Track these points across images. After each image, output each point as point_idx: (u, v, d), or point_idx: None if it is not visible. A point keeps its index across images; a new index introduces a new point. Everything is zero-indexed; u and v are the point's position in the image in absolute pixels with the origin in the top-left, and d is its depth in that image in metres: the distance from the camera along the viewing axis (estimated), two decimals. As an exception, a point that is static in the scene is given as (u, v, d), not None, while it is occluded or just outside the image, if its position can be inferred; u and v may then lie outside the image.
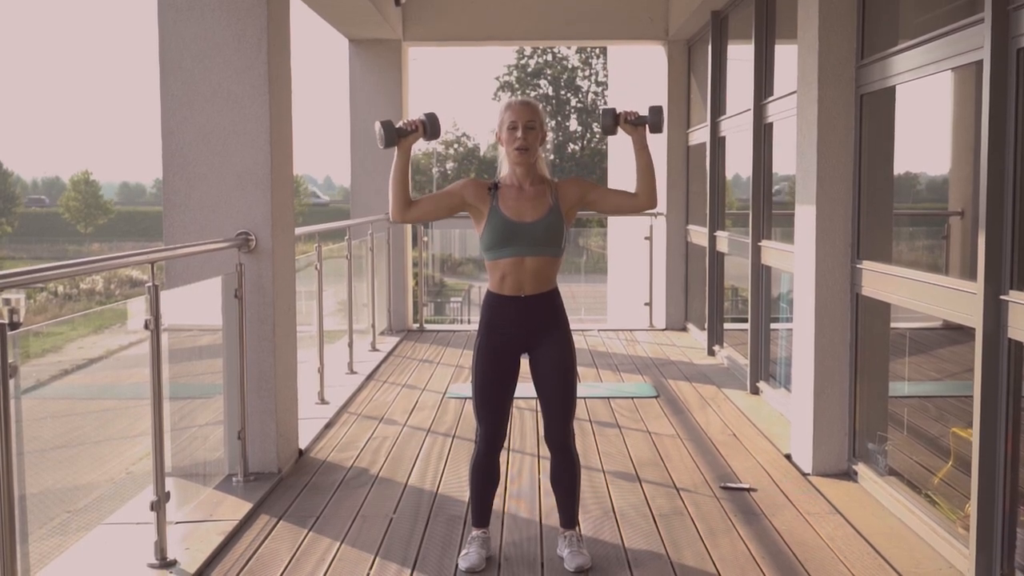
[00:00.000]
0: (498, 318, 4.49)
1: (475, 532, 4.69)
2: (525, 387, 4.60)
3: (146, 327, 4.44)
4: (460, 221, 5.16)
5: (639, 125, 4.45)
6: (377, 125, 4.41)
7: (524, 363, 4.59)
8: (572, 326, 4.59)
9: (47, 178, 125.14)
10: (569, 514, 4.68)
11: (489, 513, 4.73)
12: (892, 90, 5.50)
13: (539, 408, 4.65)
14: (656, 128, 4.42)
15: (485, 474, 4.65)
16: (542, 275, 4.46)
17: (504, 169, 4.54)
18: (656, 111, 4.43)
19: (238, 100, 5.79)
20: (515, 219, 4.40)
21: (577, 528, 4.72)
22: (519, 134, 4.42)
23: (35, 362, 4.24)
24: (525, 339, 4.50)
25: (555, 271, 4.54)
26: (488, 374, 4.52)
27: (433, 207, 4.57)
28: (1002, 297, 4.02)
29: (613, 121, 4.45)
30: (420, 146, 62.47)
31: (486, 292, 4.59)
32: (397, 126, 4.42)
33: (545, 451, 6.49)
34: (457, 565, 4.55)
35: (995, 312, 4.06)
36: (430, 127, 4.45)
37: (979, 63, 4.20)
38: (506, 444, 6.53)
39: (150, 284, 4.44)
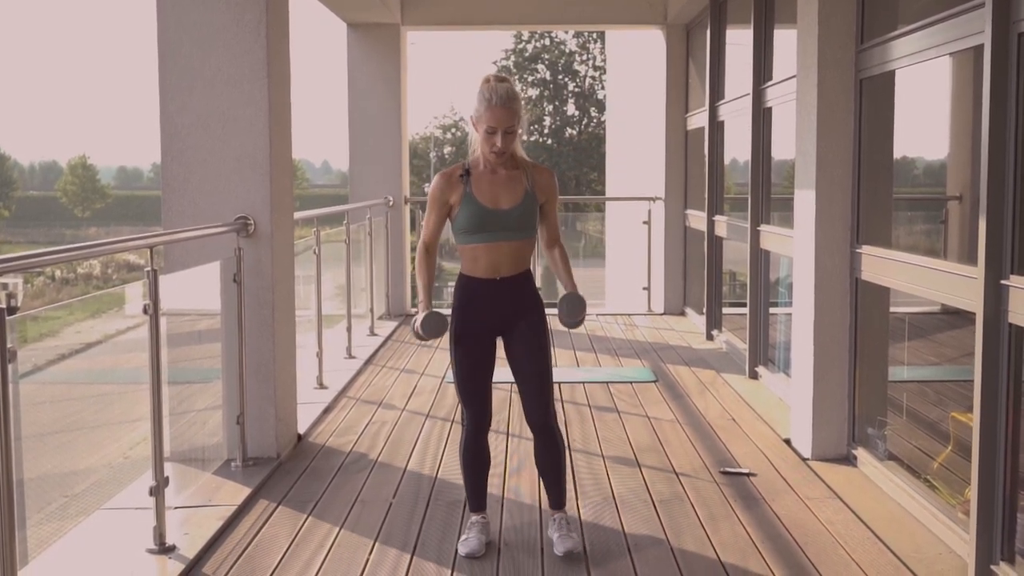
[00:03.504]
0: (473, 302, 4.48)
1: (474, 517, 4.69)
2: (509, 372, 4.59)
3: (145, 312, 4.43)
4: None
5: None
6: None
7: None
8: None
9: (44, 162, 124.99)
10: (556, 494, 4.66)
11: (485, 496, 4.74)
12: (892, 74, 5.48)
13: (517, 391, 4.64)
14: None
15: (476, 455, 4.65)
16: (518, 257, 4.47)
17: (477, 151, 4.48)
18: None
19: (237, 84, 5.77)
20: (490, 206, 4.39)
21: (566, 510, 4.70)
22: (497, 139, 4.34)
23: (32, 346, 4.23)
24: (500, 322, 4.50)
25: (531, 251, 4.57)
26: (468, 360, 4.52)
27: (438, 229, 4.55)
28: (1003, 282, 4.01)
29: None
30: (417, 130, 62.37)
31: (459, 275, 4.55)
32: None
33: (544, 436, 6.46)
34: (457, 550, 4.56)
35: (995, 297, 4.04)
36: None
37: (979, 47, 4.18)
38: (505, 429, 6.56)
39: (149, 269, 4.43)
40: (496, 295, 4.45)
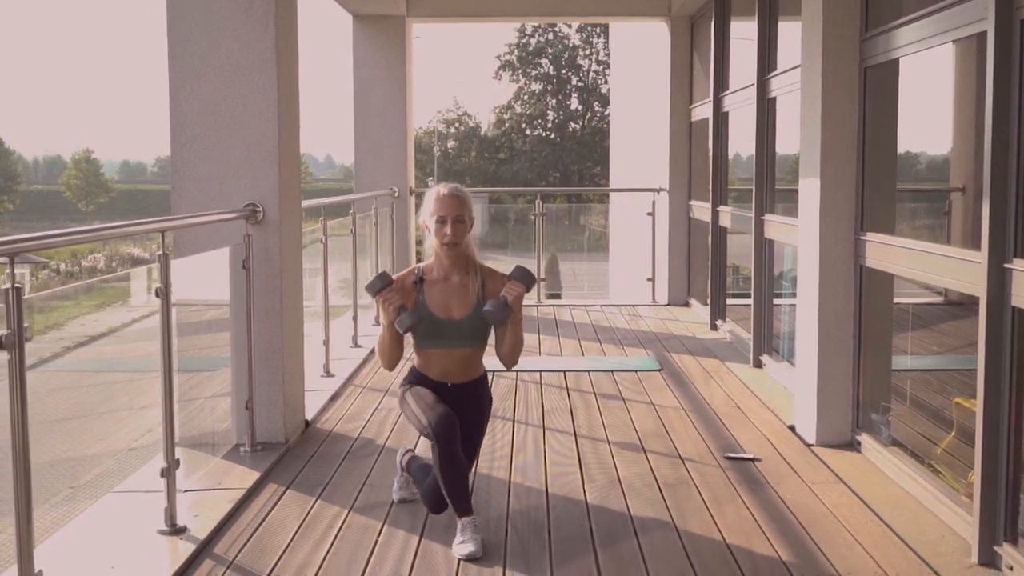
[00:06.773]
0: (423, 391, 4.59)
1: (465, 520, 4.39)
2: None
3: (156, 295, 4.46)
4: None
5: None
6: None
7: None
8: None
9: (48, 156, 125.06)
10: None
11: (470, 499, 4.48)
12: (896, 63, 5.51)
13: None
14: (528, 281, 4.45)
15: (454, 464, 4.37)
16: (469, 364, 4.61)
17: (432, 255, 4.55)
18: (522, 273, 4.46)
19: (246, 72, 5.81)
20: (442, 316, 4.48)
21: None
22: (448, 229, 4.41)
23: (38, 339, 4.26)
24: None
25: (481, 356, 4.65)
26: (425, 393, 4.55)
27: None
28: (1006, 265, 4.05)
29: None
30: (421, 124, 62.35)
31: (412, 367, 4.68)
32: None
33: (550, 423, 6.55)
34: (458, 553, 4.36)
35: (999, 280, 4.08)
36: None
37: (983, 34, 4.22)
38: (511, 415, 6.61)
39: (160, 252, 4.46)
40: (446, 397, 4.54)
